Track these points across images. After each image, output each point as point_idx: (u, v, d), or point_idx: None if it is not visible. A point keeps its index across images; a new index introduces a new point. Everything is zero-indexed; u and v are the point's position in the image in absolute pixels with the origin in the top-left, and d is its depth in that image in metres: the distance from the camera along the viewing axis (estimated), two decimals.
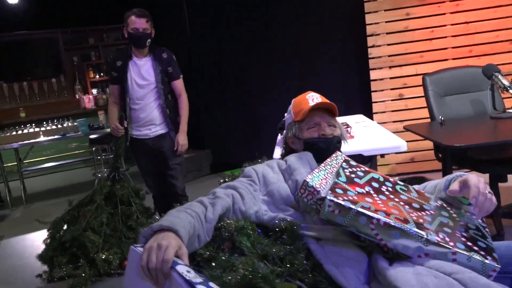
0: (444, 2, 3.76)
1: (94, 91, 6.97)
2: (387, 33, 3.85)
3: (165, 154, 2.84)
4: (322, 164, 1.28)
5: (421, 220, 1.06)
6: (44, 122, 5.34)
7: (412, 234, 1.00)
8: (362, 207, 1.05)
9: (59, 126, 5.03)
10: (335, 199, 1.05)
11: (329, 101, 1.50)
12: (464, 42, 3.79)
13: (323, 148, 1.45)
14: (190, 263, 1.10)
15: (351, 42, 4.23)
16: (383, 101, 3.96)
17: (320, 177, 1.19)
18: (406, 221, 1.04)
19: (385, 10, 3.83)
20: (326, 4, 4.26)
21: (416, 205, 1.14)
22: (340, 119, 2.98)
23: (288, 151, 1.57)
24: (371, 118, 3.97)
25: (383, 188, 1.18)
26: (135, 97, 2.79)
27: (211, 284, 0.85)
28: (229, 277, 1.00)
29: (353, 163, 1.30)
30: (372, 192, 1.14)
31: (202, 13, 5.00)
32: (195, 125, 4.90)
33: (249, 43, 4.71)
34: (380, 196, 1.13)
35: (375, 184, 1.19)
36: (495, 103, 2.48)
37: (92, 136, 4.69)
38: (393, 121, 3.95)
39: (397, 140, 2.14)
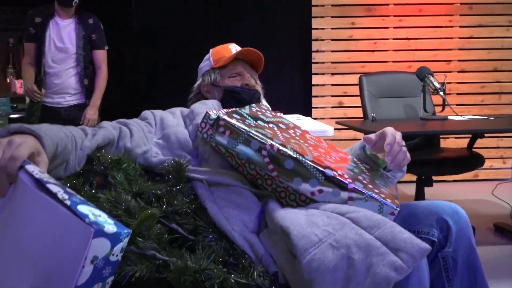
0: (388, 16, 3.83)
1: None
2: (332, 40, 3.86)
3: (77, 124, 2.58)
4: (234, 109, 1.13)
5: (321, 158, 0.95)
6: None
7: (307, 165, 0.88)
8: (257, 131, 0.92)
9: None
10: (227, 118, 0.92)
11: (255, 50, 1.37)
12: (404, 57, 3.86)
13: (245, 99, 1.30)
14: None
15: (297, 45, 4.21)
16: (323, 107, 3.92)
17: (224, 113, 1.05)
18: (303, 153, 0.91)
19: (331, 17, 3.84)
20: (276, 4, 4.24)
21: (321, 150, 1.03)
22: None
23: (199, 100, 1.40)
24: None
25: (290, 131, 1.06)
26: (51, 59, 2.56)
27: (68, 189, 0.66)
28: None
29: (266, 107, 1.18)
30: (275, 128, 1.02)
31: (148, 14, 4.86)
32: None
33: (196, 39, 4.60)
34: (284, 134, 1.01)
35: (282, 126, 1.07)
36: (426, 105, 2.48)
37: (12, 116, 4.31)
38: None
39: (325, 126, 2.06)
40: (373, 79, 2.80)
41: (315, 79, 3.91)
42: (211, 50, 1.45)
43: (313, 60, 3.89)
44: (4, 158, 0.71)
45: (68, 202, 0.62)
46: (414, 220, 0.92)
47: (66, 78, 2.60)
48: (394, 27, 3.84)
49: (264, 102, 1.44)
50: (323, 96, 3.91)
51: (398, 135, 1.01)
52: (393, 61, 3.86)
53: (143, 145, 1.09)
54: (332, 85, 3.90)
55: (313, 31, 3.86)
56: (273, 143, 0.91)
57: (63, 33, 2.55)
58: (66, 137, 0.91)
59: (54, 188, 0.65)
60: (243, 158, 0.92)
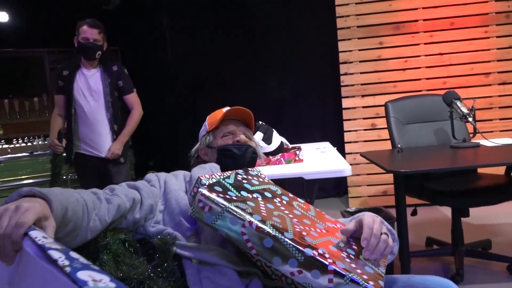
0: (418, 32, 3.71)
1: None
2: (360, 61, 3.78)
3: (110, 173, 2.70)
4: (230, 172, 1.13)
5: (304, 233, 0.91)
6: (14, 140, 5.22)
7: (286, 244, 0.85)
8: (237, 206, 0.90)
9: (29, 144, 4.91)
10: (207, 193, 0.90)
11: (244, 108, 1.39)
12: (438, 74, 3.71)
13: (237, 154, 1.33)
14: None
15: (326, 69, 4.18)
16: (356, 130, 3.84)
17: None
18: (284, 230, 0.88)
19: (358, 38, 3.77)
20: (301, 28, 4.25)
21: (307, 221, 0.99)
22: (306, 145, 2.90)
23: (199, 163, 1.43)
24: (343, 148, 3.85)
25: (276, 200, 1.03)
26: (80, 109, 2.67)
27: (72, 253, 0.67)
28: None
29: (253, 173, 1.16)
30: (260, 199, 0.99)
31: (181, 31, 5.04)
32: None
33: (230, 61, 4.73)
34: (268, 205, 0.98)
35: (267, 194, 1.04)
36: (455, 131, 2.36)
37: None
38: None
39: (342, 164, 2.00)
40: (399, 104, 2.70)
41: (345, 102, 3.84)
42: (208, 116, 1.48)
43: (342, 83, 3.83)
44: (10, 225, 0.70)
45: (68, 269, 0.61)
46: None
47: (97, 126, 2.67)
48: (425, 43, 3.71)
49: (261, 153, 1.45)
50: (355, 119, 3.83)
51: (376, 225, 0.95)
52: (427, 78, 3.72)
53: (150, 213, 1.11)
54: (363, 107, 3.81)
55: (340, 54, 3.81)
56: (252, 219, 0.88)
57: (90, 82, 2.66)
58: (77, 202, 0.91)
59: (55, 254, 0.64)
60: (223, 234, 0.90)
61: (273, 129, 2.31)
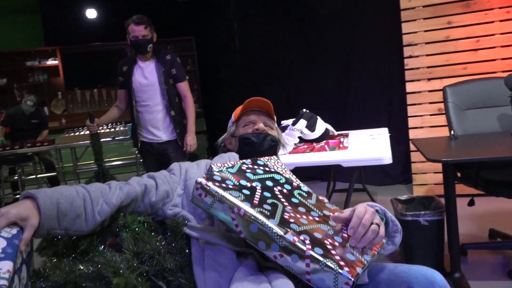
0: (492, 9, 3.41)
1: None
2: (426, 43, 3.59)
3: (169, 156, 2.90)
4: (238, 161, 1.21)
5: (291, 220, 0.98)
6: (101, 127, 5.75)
7: (269, 230, 0.93)
8: (230, 194, 0.99)
9: (112, 129, 5.38)
10: (203, 182, 1.01)
11: (263, 99, 1.46)
12: None
13: (255, 143, 1.41)
14: (72, 250, 1.12)
15: (388, 52, 4.03)
16: (421, 115, 3.67)
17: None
18: (271, 217, 0.96)
19: (424, 19, 3.58)
20: (362, 12, 4.13)
21: (302, 209, 1.05)
22: (360, 132, 2.86)
23: (225, 152, 1.53)
24: (407, 134, 3.72)
25: (276, 188, 1.10)
26: (140, 99, 2.88)
27: (2, 263, 0.83)
28: (81, 267, 1.00)
29: (262, 162, 1.23)
30: (259, 187, 1.07)
31: (248, 19, 5.16)
32: None
33: (289, 50, 4.76)
34: (264, 193, 1.06)
35: (268, 183, 1.11)
36: None
37: None
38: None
39: (383, 152, 1.97)
40: (458, 89, 2.55)
41: (409, 87, 3.69)
42: (236, 109, 1.58)
43: (406, 67, 3.67)
44: None
45: None
46: (384, 287, 0.90)
47: (156, 114, 2.87)
48: (501, 21, 3.41)
49: (286, 141, 1.50)
50: (420, 104, 3.67)
51: (367, 215, 0.96)
52: (502, 59, 3.43)
53: (166, 197, 1.24)
54: (429, 91, 3.63)
55: (404, 36, 3.65)
56: (241, 206, 0.96)
57: (146, 73, 2.85)
58: (76, 194, 1.07)
59: None
60: (217, 219, 1.00)
61: (318, 117, 2.33)
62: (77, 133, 5.26)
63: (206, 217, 1.19)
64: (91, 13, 7.02)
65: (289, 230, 0.94)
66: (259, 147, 1.41)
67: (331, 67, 4.57)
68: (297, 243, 0.91)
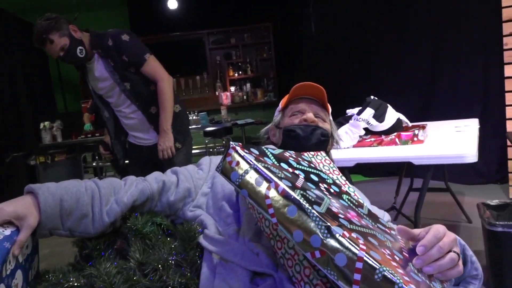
0: None
1: (232, 88, 7.36)
2: None
3: (161, 162, 2.26)
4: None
5: (340, 215, 0.73)
6: None
7: (311, 215, 0.68)
8: (267, 168, 0.77)
9: (189, 118, 5.42)
10: (237, 148, 0.80)
11: (315, 84, 1.21)
12: None
13: (301, 136, 1.18)
14: (81, 250, 1.00)
15: (483, 30, 3.50)
16: None
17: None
18: (316, 204, 0.72)
19: None
20: None
21: (352, 212, 0.80)
22: (444, 123, 2.48)
23: (267, 144, 1.32)
24: (504, 125, 3.20)
25: (322, 185, 0.86)
26: (112, 105, 2.30)
27: None
28: (71, 278, 0.87)
29: (308, 158, 1.00)
30: (301, 177, 0.84)
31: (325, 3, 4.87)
32: None
33: (376, 33, 4.39)
34: (308, 183, 0.81)
35: (313, 177, 0.88)
36: None
37: (208, 129, 4.91)
38: None
39: (466, 149, 1.62)
40: None
41: (508, 70, 3.15)
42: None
43: (505, 47, 3.14)
44: None
45: None
46: None
47: (131, 118, 2.29)
48: None
49: (339, 140, 1.26)
50: None
51: (448, 238, 0.72)
52: None
53: (188, 196, 1.08)
54: None
55: (503, 10, 3.11)
56: (280, 183, 0.73)
57: (98, 77, 2.19)
58: (84, 191, 0.95)
59: None
60: (245, 195, 0.76)
61: (388, 105, 2.02)
62: None
63: (231, 221, 1.00)
64: (172, 4, 7.14)
65: (337, 222, 0.69)
66: (305, 141, 1.18)
67: (419, 51, 4.11)
68: (347, 239, 0.65)
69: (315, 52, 5.24)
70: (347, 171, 1.83)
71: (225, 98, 7.10)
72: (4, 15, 5.65)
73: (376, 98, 2.03)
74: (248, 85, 7.37)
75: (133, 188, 1.01)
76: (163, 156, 2.20)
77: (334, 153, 1.34)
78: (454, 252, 0.71)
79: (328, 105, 1.26)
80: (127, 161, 2.51)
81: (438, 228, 0.73)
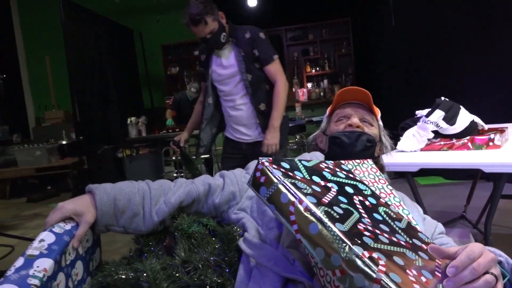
0: None
1: (309, 85, 7.31)
2: None
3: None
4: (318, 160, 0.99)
5: (366, 233, 0.72)
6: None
7: (333, 234, 0.69)
8: (294, 184, 0.78)
9: None
10: (266, 163, 0.82)
11: (360, 88, 1.19)
12: None
13: (346, 143, 1.17)
14: (135, 245, 1.09)
15: None
16: None
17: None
18: (339, 221, 0.72)
19: None
20: None
21: (384, 227, 0.78)
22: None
23: (315, 150, 1.32)
24: None
25: (357, 198, 0.85)
26: (222, 93, 2.45)
27: (40, 261, 0.82)
28: (121, 271, 0.95)
29: (347, 167, 0.99)
30: (334, 189, 0.84)
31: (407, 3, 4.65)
32: None
33: (460, 28, 4.11)
34: (339, 197, 0.81)
35: (348, 189, 0.87)
36: None
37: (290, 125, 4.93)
38: None
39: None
40: None
41: None
42: None
43: None
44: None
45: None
46: None
47: (241, 109, 2.42)
48: None
49: (387, 145, 1.22)
50: None
51: (483, 259, 0.67)
52: None
53: (232, 199, 1.12)
54: None
55: None
56: (304, 199, 0.74)
57: (224, 62, 2.37)
58: (137, 191, 1.03)
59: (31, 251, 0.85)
60: (272, 210, 0.79)
61: (461, 106, 1.89)
62: None
63: (274, 226, 1.02)
64: (252, 2, 7.27)
65: (359, 241, 0.69)
66: (350, 148, 1.16)
67: (504, 47, 3.77)
68: (366, 259, 0.65)
69: (395, 46, 5.02)
70: (411, 175, 1.75)
71: (302, 94, 7.09)
72: (96, 18, 6.15)
73: (447, 99, 1.91)
74: (326, 81, 7.28)
75: (181, 190, 1.08)
76: (266, 150, 2.30)
77: (395, 156, 1.30)
78: (492, 274, 0.67)
79: (377, 108, 1.23)
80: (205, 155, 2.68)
81: (473, 247, 0.69)
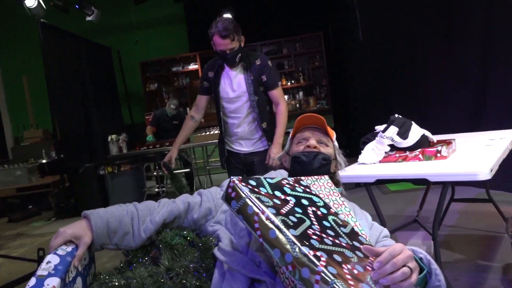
0: None
1: (285, 97, 7.56)
2: None
3: (255, 168, 2.73)
4: (281, 177, 1.19)
5: (314, 237, 0.93)
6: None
7: (287, 238, 0.89)
8: (258, 198, 0.98)
9: None
10: (236, 181, 1.01)
11: (316, 114, 1.40)
12: None
13: (304, 162, 1.37)
14: (125, 257, 1.26)
15: None
16: None
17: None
18: (292, 228, 0.92)
19: None
20: None
21: (331, 232, 0.99)
22: (480, 134, 2.51)
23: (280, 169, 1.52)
24: None
25: (310, 209, 1.05)
26: (227, 110, 2.70)
27: (49, 280, 0.99)
28: (114, 279, 1.12)
29: (305, 183, 1.19)
30: (292, 202, 1.04)
31: (372, 10, 4.92)
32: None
33: (423, 40, 4.38)
34: (296, 208, 1.02)
35: (304, 201, 1.07)
36: None
37: None
38: None
39: (480, 166, 1.69)
40: None
41: None
42: None
43: None
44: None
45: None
46: None
47: (245, 126, 2.69)
48: None
49: (341, 163, 1.42)
50: None
51: (402, 255, 0.87)
52: None
53: (209, 214, 1.31)
54: None
55: None
56: (266, 210, 0.94)
57: (234, 84, 2.63)
58: (126, 213, 1.21)
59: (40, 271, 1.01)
60: (240, 220, 0.98)
61: (412, 122, 2.12)
62: (208, 133, 5.72)
63: (244, 234, 1.21)
64: (227, 17, 7.48)
65: (307, 243, 0.89)
66: (309, 166, 1.36)
67: (468, 58, 4.00)
68: (311, 257, 0.85)
69: (363, 59, 5.29)
70: (369, 186, 1.97)
71: None
72: (74, 38, 6.28)
73: (400, 116, 2.14)
74: (301, 93, 7.54)
75: (164, 209, 1.26)
76: (270, 163, 2.62)
77: (356, 168, 1.50)
78: (408, 267, 0.87)
79: (332, 130, 1.43)
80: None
81: (395, 247, 0.89)
